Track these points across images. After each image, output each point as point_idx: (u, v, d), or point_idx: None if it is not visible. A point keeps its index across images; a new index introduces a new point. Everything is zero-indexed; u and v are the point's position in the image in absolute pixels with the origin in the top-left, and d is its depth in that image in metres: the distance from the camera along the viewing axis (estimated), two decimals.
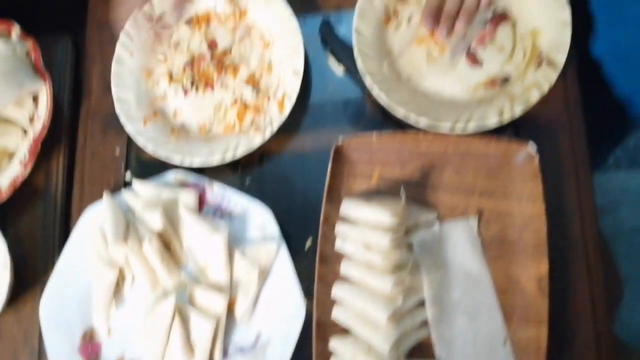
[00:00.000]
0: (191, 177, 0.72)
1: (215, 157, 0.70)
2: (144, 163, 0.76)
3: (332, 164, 0.68)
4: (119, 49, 0.77)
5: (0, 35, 0.78)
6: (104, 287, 0.68)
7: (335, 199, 0.68)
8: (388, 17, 0.75)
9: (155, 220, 0.69)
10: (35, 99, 0.77)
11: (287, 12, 0.74)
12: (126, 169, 0.77)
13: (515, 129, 0.70)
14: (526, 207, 0.65)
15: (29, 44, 0.78)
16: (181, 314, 0.66)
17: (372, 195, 0.69)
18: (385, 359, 0.60)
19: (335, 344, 0.63)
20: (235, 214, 0.71)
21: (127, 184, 0.76)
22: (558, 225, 0.66)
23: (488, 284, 0.64)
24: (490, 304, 0.64)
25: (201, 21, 0.79)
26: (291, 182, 0.73)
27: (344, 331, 0.64)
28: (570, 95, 0.71)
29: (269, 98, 0.74)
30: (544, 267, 0.62)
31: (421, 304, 0.64)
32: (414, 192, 0.68)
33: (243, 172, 0.74)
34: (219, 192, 0.71)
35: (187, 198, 0.70)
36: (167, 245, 0.70)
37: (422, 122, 0.67)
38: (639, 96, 0.82)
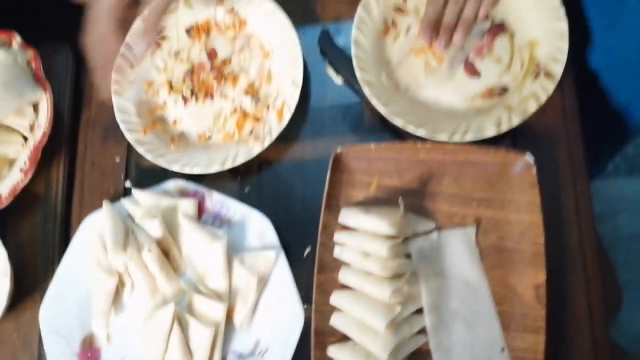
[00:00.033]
0: (190, 186, 0.73)
1: (214, 166, 0.71)
2: (144, 171, 0.77)
3: (330, 172, 0.68)
4: (118, 60, 0.77)
5: (2, 44, 0.79)
6: (103, 294, 0.69)
7: (334, 208, 0.68)
8: (386, 28, 0.75)
9: (154, 228, 0.69)
10: (35, 107, 0.77)
11: (286, 23, 0.75)
12: (126, 177, 0.77)
13: (513, 139, 0.70)
14: (524, 216, 0.65)
15: (30, 53, 0.79)
16: (180, 321, 0.67)
17: (371, 204, 0.69)
18: None
19: (333, 351, 0.63)
20: (234, 222, 0.71)
21: (126, 192, 0.76)
22: (556, 234, 0.66)
23: (486, 292, 0.65)
24: (488, 312, 0.64)
25: (201, 31, 0.80)
26: (290, 190, 0.73)
27: (342, 338, 0.64)
28: (567, 105, 0.71)
29: (268, 107, 0.75)
30: (541, 276, 0.62)
31: (419, 311, 0.64)
32: (412, 201, 0.68)
33: (242, 181, 0.74)
34: (218, 200, 0.72)
35: (187, 206, 0.71)
36: (167, 252, 0.70)
37: (420, 132, 0.68)
38: (636, 105, 0.82)
